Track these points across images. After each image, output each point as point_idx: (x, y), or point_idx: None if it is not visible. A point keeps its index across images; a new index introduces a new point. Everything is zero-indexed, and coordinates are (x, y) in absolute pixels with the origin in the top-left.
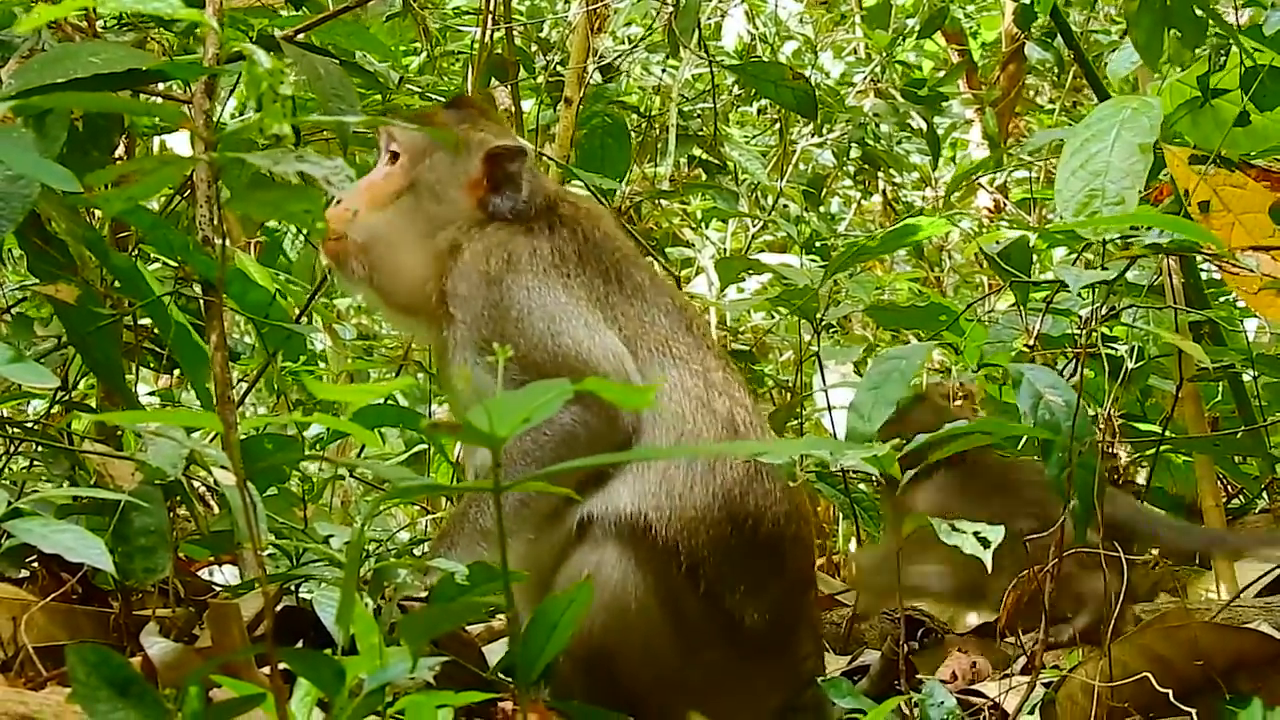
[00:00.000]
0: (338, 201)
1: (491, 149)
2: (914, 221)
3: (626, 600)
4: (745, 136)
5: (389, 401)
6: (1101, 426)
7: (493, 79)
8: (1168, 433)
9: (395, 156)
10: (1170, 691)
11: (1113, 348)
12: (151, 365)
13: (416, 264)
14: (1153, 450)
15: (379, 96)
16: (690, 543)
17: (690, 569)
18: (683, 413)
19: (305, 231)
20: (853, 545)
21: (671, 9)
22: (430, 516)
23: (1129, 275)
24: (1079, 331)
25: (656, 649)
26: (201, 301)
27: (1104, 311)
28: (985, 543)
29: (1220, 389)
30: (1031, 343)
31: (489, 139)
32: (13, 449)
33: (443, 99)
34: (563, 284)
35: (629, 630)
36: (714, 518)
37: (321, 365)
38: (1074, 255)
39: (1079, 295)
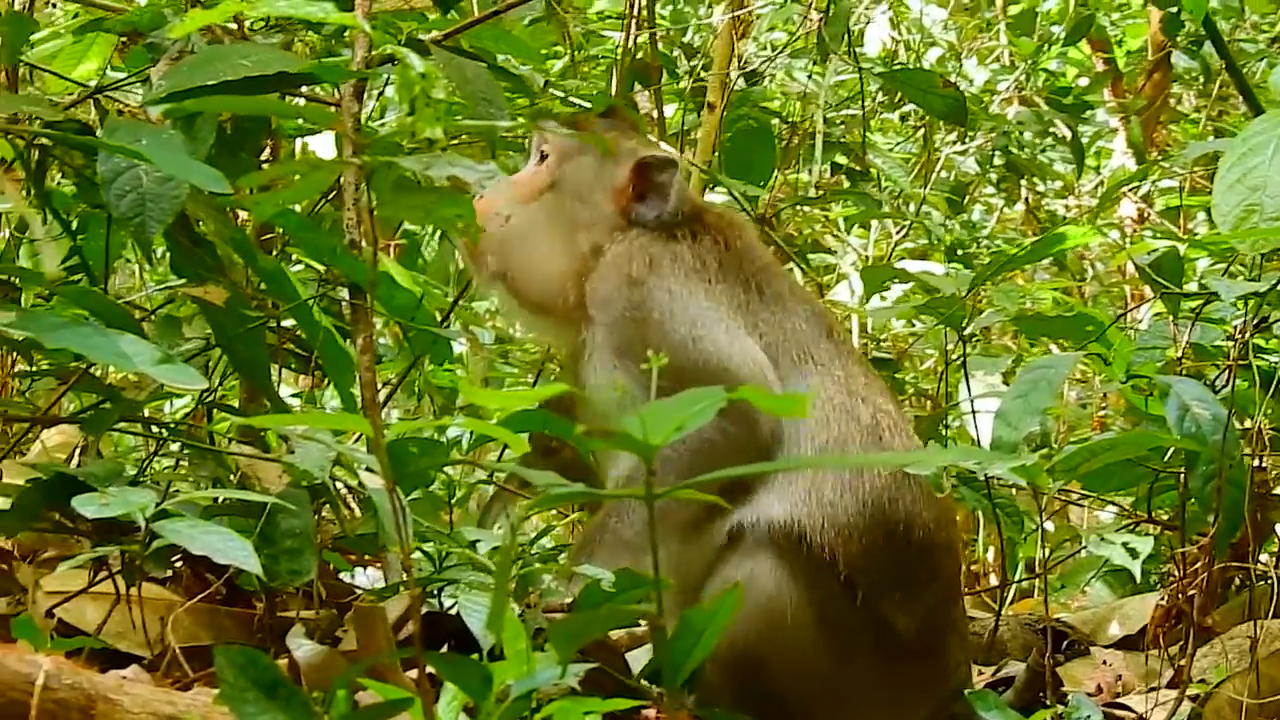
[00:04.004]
0: (480, 196)
1: (642, 158)
2: (1062, 230)
3: (782, 609)
4: (887, 144)
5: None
6: (1252, 439)
7: (635, 84)
8: None
9: (544, 157)
10: None
11: (1265, 359)
12: (294, 367)
13: (553, 263)
14: None
15: (525, 100)
16: (846, 550)
17: (848, 578)
18: (826, 420)
19: (443, 233)
20: (991, 554)
21: (820, 15)
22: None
23: None
24: (1230, 343)
25: (811, 658)
26: (345, 304)
27: (1255, 322)
28: (1134, 553)
29: None
30: (1180, 354)
31: (639, 148)
32: (156, 449)
33: (586, 103)
34: (704, 289)
35: (784, 640)
36: (866, 525)
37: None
38: (1222, 266)
39: (1232, 305)
